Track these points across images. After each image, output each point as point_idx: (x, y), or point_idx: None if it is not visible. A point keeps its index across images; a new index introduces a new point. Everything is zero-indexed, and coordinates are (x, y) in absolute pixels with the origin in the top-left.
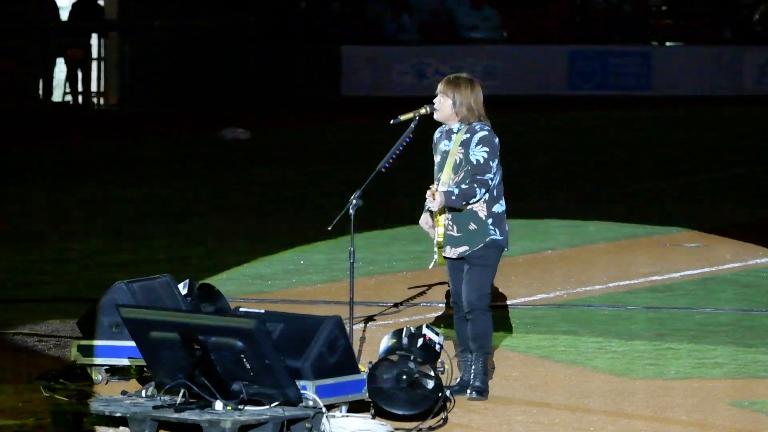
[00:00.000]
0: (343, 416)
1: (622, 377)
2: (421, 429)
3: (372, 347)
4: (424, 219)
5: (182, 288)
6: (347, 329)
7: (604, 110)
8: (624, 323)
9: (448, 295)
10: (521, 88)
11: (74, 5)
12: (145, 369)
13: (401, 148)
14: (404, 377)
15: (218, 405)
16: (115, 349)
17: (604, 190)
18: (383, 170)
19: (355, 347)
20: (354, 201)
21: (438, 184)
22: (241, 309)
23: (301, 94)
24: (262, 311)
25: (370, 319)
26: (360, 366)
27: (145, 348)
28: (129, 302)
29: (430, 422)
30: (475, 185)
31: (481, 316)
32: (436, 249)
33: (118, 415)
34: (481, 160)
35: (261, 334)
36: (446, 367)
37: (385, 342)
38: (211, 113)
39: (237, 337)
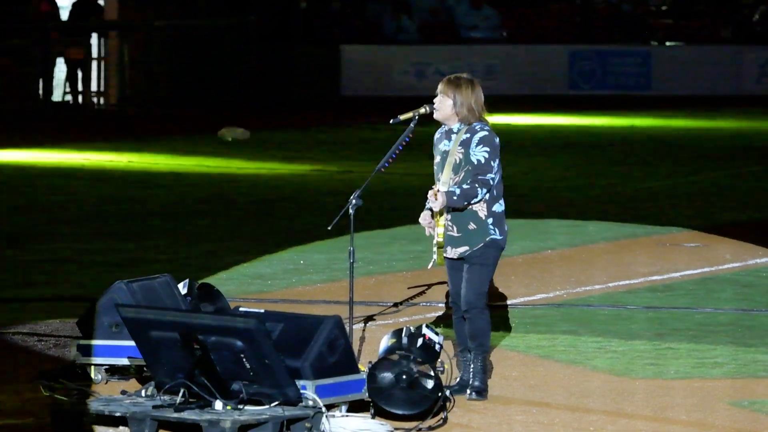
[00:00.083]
0: (342, 416)
1: (622, 377)
2: (420, 429)
3: (372, 347)
4: (424, 216)
5: (182, 288)
6: (347, 329)
7: (604, 110)
8: (624, 323)
9: (447, 295)
10: (521, 88)
11: (74, 5)
12: (144, 369)
13: (401, 147)
14: (404, 377)
15: (218, 405)
16: (115, 349)
17: (604, 190)
18: (383, 170)
19: (355, 347)
20: (354, 201)
21: (438, 184)
22: (240, 309)
23: (301, 94)
24: (262, 311)
25: (369, 318)
26: (360, 366)
27: (145, 348)
28: (129, 302)
29: (430, 422)
30: (477, 185)
31: (479, 314)
32: (435, 249)
33: (117, 414)
34: (482, 160)
35: (261, 333)
36: (446, 366)
37: (385, 342)
38: (211, 113)
39: (237, 337)
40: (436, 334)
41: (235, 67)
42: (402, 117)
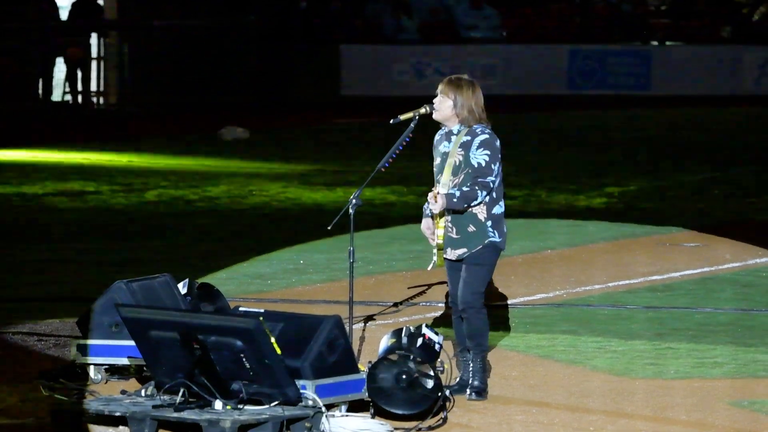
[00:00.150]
0: (342, 416)
1: (622, 377)
2: (420, 429)
3: (371, 347)
4: (426, 224)
5: (182, 287)
6: (347, 329)
7: (603, 110)
8: (624, 323)
9: (447, 295)
10: (521, 87)
11: (74, 5)
12: (144, 368)
13: (401, 147)
14: (404, 377)
15: (218, 404)
16: (115, 349)
17: (605, 189)
18: (383, 170)
19: (355, 347)
20: (354, 200)
21: (438, 186)
22: (240, 308)
23: (301, 94)
24: (262, 311)
25: (369, 318)
26: (359, 365)
27: (145, 347)
28: (129, 302)
29: (430, 422)
30: (477, 188)
31: (476, 314)
32: (435, 250)
33: (117, 414)
34: (483, 163)
35: (260, 333)
36: (446, 366)
37: (385, 341)
38: (211, 113)
39: (236, 337)
40: (436, 334)
41: (235, 67)
42: (402, 117)
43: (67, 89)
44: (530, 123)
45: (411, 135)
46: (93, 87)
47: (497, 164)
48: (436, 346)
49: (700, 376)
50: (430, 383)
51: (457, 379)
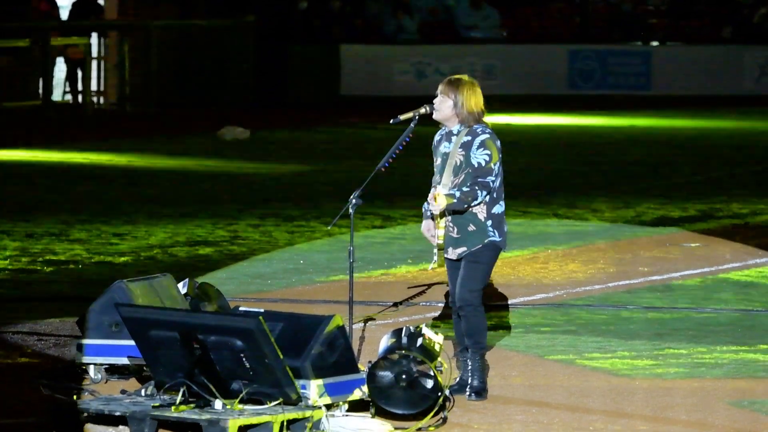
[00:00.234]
0: (342, 416)
1: (622, 377)
2: (420, 429)
3: (371, 347)
4: (426, 225)
5: (182, 287)
6: (347, 329)
7: (603, 110)
8: (624, 323)
9: (447, 295)
10: (521, 87)
11: (74, 5)
12: (144, 368)
13: (401, 147)
14: (404, 377)
15: (218, 404)
16: (115, 348)
17: (605, 189)
18: (383, 170)
19: (355, 347)
20: (354, 200)
21: (438, 187)
22: (240, 308)
23: (301, 94)
24: (262, 310)
25: (369, 318)
26: (360, 365)
27: (145, 347)
28: (128, 301)
29: (430, 422)
30: (477, 188)
31: (473, 312)
32: (435, 251)
33: (117, 414)
34: (483, 163)
35: (260, 333)
36: (445, 366)
37: (385, 341)
38: (211, 113)
39: (237, 336)
40: (436, 333)
41: (234, 67)
42: (402, 117)
43: (67, 89)
44: (530, 123)
45: (411, 135)
46: (93, 87)
47: (497, 164)
48: (436, 346)
49: (700, 376)
50: (429, 383)
51: (457, 379)
